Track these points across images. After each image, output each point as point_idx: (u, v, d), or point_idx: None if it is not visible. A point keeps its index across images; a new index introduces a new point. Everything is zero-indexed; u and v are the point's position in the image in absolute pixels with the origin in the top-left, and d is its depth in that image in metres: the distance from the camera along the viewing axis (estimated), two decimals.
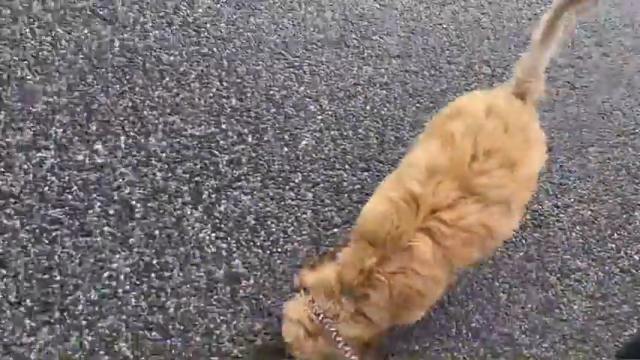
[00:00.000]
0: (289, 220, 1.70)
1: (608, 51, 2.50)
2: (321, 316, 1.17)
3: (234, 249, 1.62)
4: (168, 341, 1.46)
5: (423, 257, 1.12)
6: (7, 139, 1.59)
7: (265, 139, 1.81)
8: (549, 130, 2.13)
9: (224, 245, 1.62)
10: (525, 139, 1.21)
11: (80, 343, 1.40)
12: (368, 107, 1.97)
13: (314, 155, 1.82)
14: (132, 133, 1.70)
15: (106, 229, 1.55)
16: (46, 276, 1.46)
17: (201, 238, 1.61)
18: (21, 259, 1.46)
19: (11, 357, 1.35)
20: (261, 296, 1.55)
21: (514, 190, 1.18)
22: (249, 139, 1.79)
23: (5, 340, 1.36)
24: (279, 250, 1.64)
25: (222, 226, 1.64)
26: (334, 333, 1.16)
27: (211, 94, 1.83)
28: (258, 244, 1.65)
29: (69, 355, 1.39)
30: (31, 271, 1.45)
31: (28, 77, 1.69)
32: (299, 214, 1.72)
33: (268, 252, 1.64)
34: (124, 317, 1.46)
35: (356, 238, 1.24)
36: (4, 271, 1.43)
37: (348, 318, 1.18)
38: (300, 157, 1.81)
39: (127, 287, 1.50)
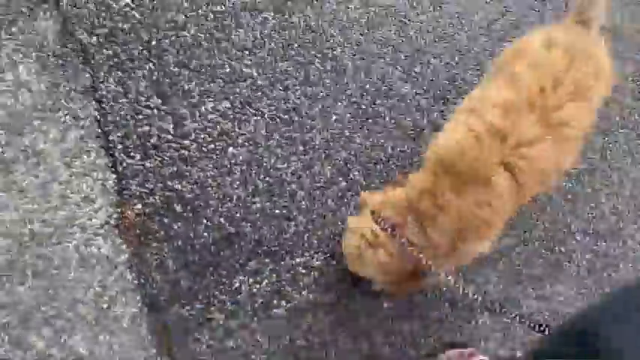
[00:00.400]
0: (475, 83, 1.91)
1: None
2: (386, 225, 1.19)
3: (433, 103, 1.84)
4: (391, 174, 1.71)
5: (500, 192, 1.13)
6: (232, 1, 1.77)
7: (445, 9, 1.98)
8: None
9: (424, 100, 1.84)
10: (594, 69, 1.19)
11: (321, 171, 1.65)
12: None
13: (489, 26, 2.01)
14: (331, 1, 1.87)
15: (326, 80, 1.77)
16: (286, 116, 1.69)
17: (404, 92, 1.83)
18: (263, 101, 1.69)
19: (271, 178, 1.61)
20: None
21: (586, 123, 1.19)
22: (432, 10, 1.97)
23: (263, 167, 1.61)
24: None
25: (420, 83, 1.85)
26: (403, 240, 1.18)
27: None
28: (453, 101, 1.86)
29: (315, 179, 1.64)
30: (273, 112, 1.68)
31: None
32: None
33: None
34: (353, 152, 1.70)
35: (429, 165, 1.23)
36: (252, 110, 1.66)
37: (411, 236, 1.19)
38: (478, 29, 1.99)
39: (351, 129, 1.73)
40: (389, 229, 1.19)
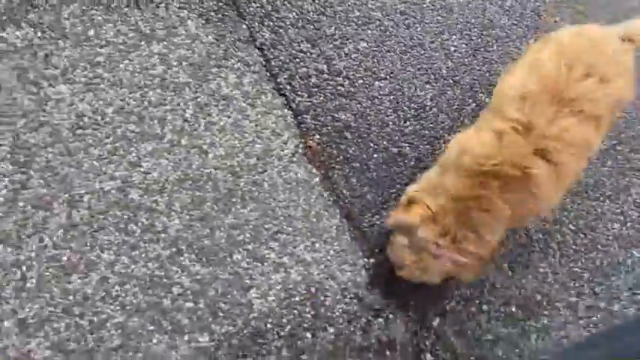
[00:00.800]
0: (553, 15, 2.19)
1: None
2: (444, 240, 1.23)
3: (527, 32, 2.11)
4: None
5: (541, 181, 1.18)
6: None
7: None
8: None
9: (520, 30, 2.11)
10: (618, 62, 1.27)
11: (453, 95, 1.90)
12: None
13: None
14: None
15: (439, 18, 2.01)
16: (414, 51, 1.92)
17: (503, 24, 2.09)
18: (392, 40, 1.91)
19: (414, 104, 1.84)
20: None
21: (605, 105, 1.24)
22: None
23: (406, 96, 1.84)
24: None
25: (514, 16, 2.12)
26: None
27: None
28: (543, 29, 2.14)
29: (450, 102, 1.88)
30: (402, 48, 1.91)
31: None
32: None
33: None
34: (475, 77, 1.96)
35: (462, 171, 1.25)
36: (385, 48, 1.88)
37: (468, 243, 1.24)
38: None
39: (469, 58, 1.98)
40: (448, 241, 1.23)
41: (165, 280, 1.36)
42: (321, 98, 1.74)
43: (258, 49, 1.74)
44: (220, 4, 1.76)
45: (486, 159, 1.20)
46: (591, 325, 1.68)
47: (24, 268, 1.28)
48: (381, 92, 1.82)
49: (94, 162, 1.43)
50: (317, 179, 1.63)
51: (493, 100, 1.41)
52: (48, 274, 1.29)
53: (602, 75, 1.23)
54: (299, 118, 1.69)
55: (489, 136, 1.24)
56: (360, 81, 1.81)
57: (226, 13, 1.75)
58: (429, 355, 1.51)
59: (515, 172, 1.18)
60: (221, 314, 1.37)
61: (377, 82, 1.83)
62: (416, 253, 1.28)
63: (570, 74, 1.21)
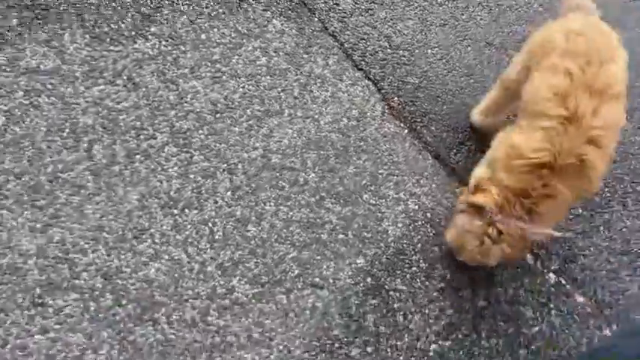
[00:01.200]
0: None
1: None
2: (512, 223, 1.34)
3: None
4: None
5: (595, 164, 1.33)
6: None
7: None
8: None
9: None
10: (609, 40, 1.46)
11: (492, 51, 2.33)
12: None
13: None
14: None
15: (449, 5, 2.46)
16: (451, 23, 2.35)
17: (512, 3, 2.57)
18: (433, 15, 2.34)
19: (463, 68, 2.26)
20: None
21: (623, 82, 1.39)
22: None
23: (456, 61, 2.26)
24: None
25: None
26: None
27: None
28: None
29: (488, 64, 2.31)
30: (440, 22, 2.34)
31: None
32: None
33: None
34: (504, 38, 2.40)
35: (521, 168, 1.35)
36: (428, 23, 2.31)
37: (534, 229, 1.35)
38: None
39: (493, 25, 2.43)
40: (515, 224, 1.34)
41: (318, 220, 1.69)
42: (390, 69, 2.13)
43: (331, 35, 2.12)
44: (293, 4, 2.13)
45: (540, 152, 1.32)
46: None
47: (210, 224, 1.58)
48: (435, 58, 2.23)
49: (237, 137, 1.75)
50: (406, 131, 2.00)
51: (527, 107, 1.47)
52: (229, 226, 1.59)
53: (613, 57, 1.41)
54: (378, 85, 2.07)
55: (538, 133, 1.35)
56: (417, 51, 2.22)
57: (299, 10, 2.13)
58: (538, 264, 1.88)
59: (572, 161, 1.32)
60: (367, 241, 1.71)
61: (429, 50, 2.24)
62: (477, 238, 1.37)
63: (594, 67, 1.34)
